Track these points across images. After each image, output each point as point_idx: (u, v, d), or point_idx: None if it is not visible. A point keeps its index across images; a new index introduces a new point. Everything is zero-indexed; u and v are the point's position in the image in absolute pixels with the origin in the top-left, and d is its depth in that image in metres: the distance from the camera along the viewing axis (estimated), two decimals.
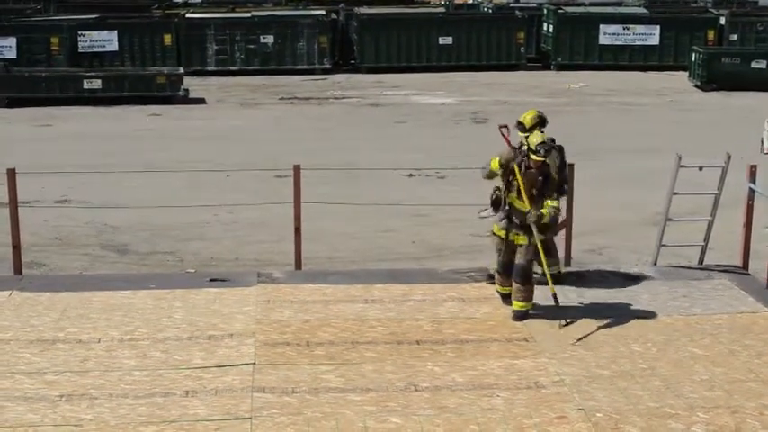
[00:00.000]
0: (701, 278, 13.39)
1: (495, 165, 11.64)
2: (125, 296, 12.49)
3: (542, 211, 11.51)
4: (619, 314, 11.97)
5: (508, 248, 11.79)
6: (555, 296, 11.70)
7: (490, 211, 12.60)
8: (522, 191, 11.49)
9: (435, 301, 12.37)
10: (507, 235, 11.75)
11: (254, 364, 10.39)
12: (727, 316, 11.98)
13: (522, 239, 11.66)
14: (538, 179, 11.51)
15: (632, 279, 13.33)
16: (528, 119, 12.31)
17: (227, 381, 9.98)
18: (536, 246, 11.64)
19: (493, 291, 12.57)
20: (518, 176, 11.49)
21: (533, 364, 10.45)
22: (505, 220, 11.78)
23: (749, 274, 13.65)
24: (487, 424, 9.11)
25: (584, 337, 11.09)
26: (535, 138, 11.45)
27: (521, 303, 11.71)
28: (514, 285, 11.74)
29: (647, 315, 11.96)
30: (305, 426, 9.05)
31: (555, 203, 11.60)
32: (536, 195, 11.51)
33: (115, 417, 9.19)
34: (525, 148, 11.54)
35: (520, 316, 11.69)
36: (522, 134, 12.09)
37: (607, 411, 9.37)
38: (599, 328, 11.47)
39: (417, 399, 9.60)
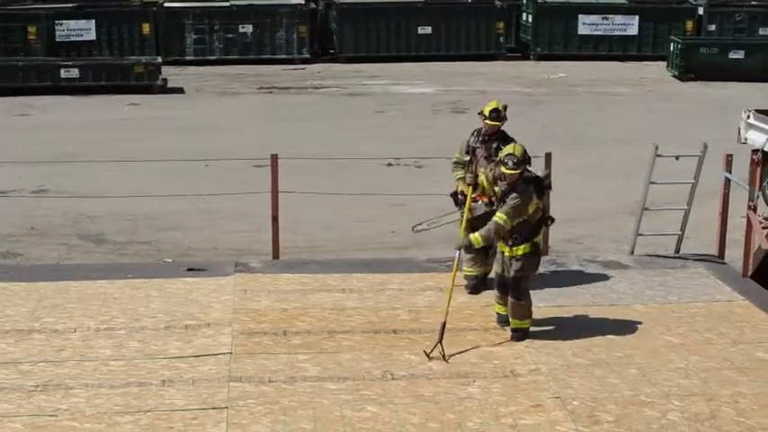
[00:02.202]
0: (678, 267, 13.45)
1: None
2: (101, 286, 12.44)
3: (473, 236, 10.70)
4: (595, 303, 12.02)
5: (497, 259, 10.96)
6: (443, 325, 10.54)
7: (425, 225, 12.53)
8: (462, 224, 10.89)
9: (413, 291, 12.38)
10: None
11: (231, 353, 10.37)
12: (703, 304, 12.04)
13: (505, 247, 10.77)
14: (505, 192, 10.57)
15: (609, 268, 13.37)
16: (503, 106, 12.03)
17: (203, 370, 9.95)
18: (529, 256, 10.73)
19: None
20: (466, 208, 10.95)
21: (510, 353, 10.48)
22: None
23: (725, 263, 13.73)
24: (464, 412, 9.13)
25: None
26: (506, 149, 10.68)
27: (518, 321, 10.84)
28: (509, 301, 10.84)
29: (624, 304, 12.01)
30: (281, 415, 9.04)
31: (499, 218, 10.51)
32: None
33: (91, 407, 9.15)
34: (498, 159, 10.79)
35: (519, 336, 10.79)
36: (499, 123, 11.86)
37: (583, 399, 9.41)
38: (575, 316, 11.51)
39: (394, 387, 9.61)
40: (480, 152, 11.94)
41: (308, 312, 11.58)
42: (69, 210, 18.87)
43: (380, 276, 12.89)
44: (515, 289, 10.80)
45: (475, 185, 11.82)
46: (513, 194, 10.53)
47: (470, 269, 12.17)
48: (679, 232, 14.19)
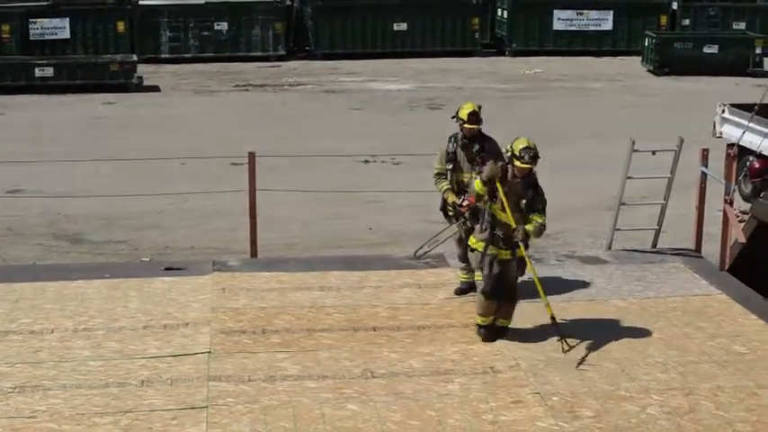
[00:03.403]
0: (655, 261, 13.50)
1: (478, 185, 10.55)
2: (79, 286, 12.36)
3: (528, 227, 10.47)
4: (573, 298, 12.04)
5: (492, 263, 10.59)
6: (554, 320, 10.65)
7: (426, 247, 11.86)
8: (506, 207, 10.45)
9: (391, 288, 12.36)
10: (486, 248, 10.53)
11: (210, 352, 10.33)
12: (681, 299, 12.08)
13: (506, 254, 10.57)
14: (525, 190, 10.48)
15: (587, 263, 13.41)
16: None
17: (182, 370, 9.91)
18: (524, 260, 10.70)
19: (449, 276, 12.58)
20: (501, 194, 10.44)
21: (489, 350, 10.48)
22: (488, 232, 10.57)
23: (702, 257, 13.78)
24: (444, 409, 9.13)
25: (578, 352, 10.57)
26: (519, 143, 10.49)
27: (508, 320, 10.89)
28: (506, 302, 10.78)
29: (602, 299, 12.04)
30: (261, 414, 9.02)
31: (541, 219, 10.52)
32: (524, 208, 10.52)
33: (69, 407, 9.10)
34: (509, 155, 10.55)
35: (494, 333, 10.80)
36: (478, 125, 11.59)
37: (563, 395, 9.43)
38: (554, 312, 11.51)
39: (374, 385, 9.60)
40: (462, 157, 11.65)
41: (286, 311, 11.55)
42: (45, 209, 18.77)
43: (359, 274, 12.86)
44: (514, 289, 10.79)
45: (462, 191, 11.52)
46: (539, 197, 10.56)
47: (465, 276, 12.05)
48: (656, 227, 14.25)
